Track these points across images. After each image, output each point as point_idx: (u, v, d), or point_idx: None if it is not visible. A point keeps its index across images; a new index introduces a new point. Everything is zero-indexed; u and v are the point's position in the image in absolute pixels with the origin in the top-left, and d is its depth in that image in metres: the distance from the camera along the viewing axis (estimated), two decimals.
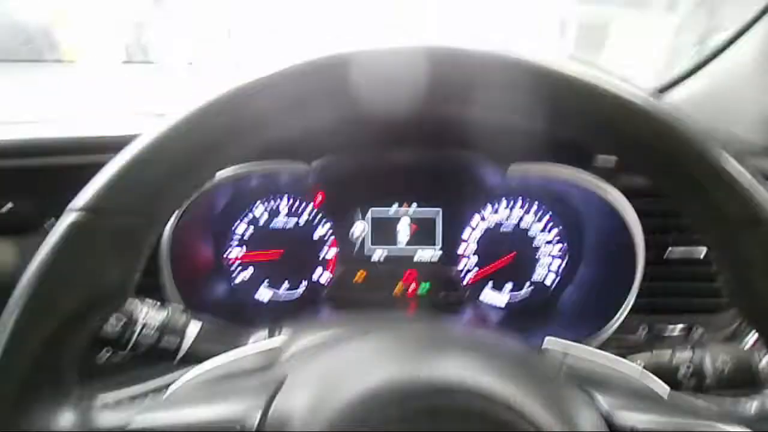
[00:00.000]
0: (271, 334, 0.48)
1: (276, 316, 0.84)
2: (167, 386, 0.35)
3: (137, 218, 0.29)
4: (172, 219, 0.69)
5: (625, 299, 0.72)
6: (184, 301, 0.70)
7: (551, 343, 0.38)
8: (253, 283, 0.87)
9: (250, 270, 0.86)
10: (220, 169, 0.32)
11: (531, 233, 0.86)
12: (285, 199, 0.85)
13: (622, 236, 0.71)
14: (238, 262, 0.86)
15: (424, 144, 0.75)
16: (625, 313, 0.72)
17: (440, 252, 0.86)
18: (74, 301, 0.28)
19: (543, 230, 0.85)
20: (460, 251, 0.86)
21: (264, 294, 0.87)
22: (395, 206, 0.85)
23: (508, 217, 0.85)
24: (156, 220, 0.30)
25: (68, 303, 0.28)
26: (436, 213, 0.85)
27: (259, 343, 0.38)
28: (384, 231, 0.85)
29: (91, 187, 0.28)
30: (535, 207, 0.85)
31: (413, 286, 0.86)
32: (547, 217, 0.85)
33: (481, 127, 0.68)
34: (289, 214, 0.85)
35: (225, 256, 0.85)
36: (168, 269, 0.69)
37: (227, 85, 0.29)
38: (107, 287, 0.29)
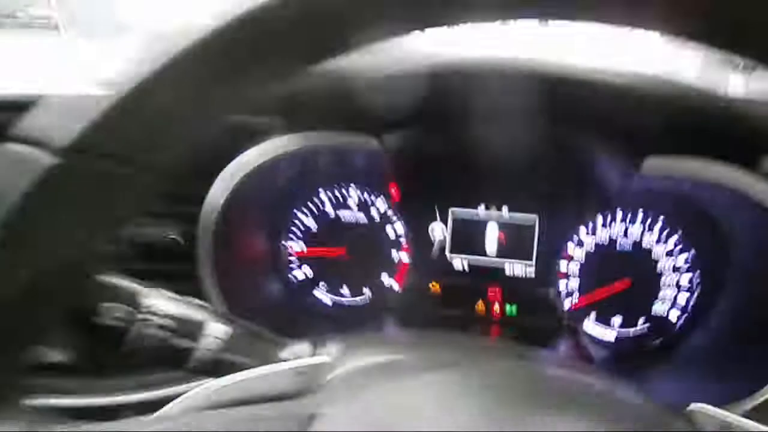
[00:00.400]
0: (313, 349, 0.35)
1: (331, 325, 0.72)
2: (168, 400, 0.28)
3: (124, 164, 0.23)
4: (221, 199, 0.58)
5: None
6: (227, 302, 0.59)
7: (700, 412, 0.27)
8: (310, 285, 0.75)
9: (308, 269, 0.75)
10: (234, 109, 0.24)
11: (654, 255, 0.68)
12: (354, 188, 0.73)
13: None
14: (294, 257, 0.75)
15: (528, 122, 0.57)
16: None
17: (535, 268, 0.70)
18: (38, 262, 0.22)
19: (670, 253, 0.68)
20: (560, 270, 0.70)
21: (322, 298, 0.75)
22: (483, 208, 0.70)
23: (627, 232, 0.68)
24: (148, 168, 0.24)
25: (30, 266, 0.22)
26: (533, 220, 0.69)
27: (297, 359, 0.30)
28: (468, 236, 0.71)
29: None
30: (662, 222, 0.67)
31: (498, 305, 0.72)
32: (677, 236, 0.67)
33: (611, 106, 0.52)
34: (358, 207, 0.73)
35: (280, 249, 0.74)
36: (209, 261, 0.59)
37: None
38: (83, 246, 0.23)
